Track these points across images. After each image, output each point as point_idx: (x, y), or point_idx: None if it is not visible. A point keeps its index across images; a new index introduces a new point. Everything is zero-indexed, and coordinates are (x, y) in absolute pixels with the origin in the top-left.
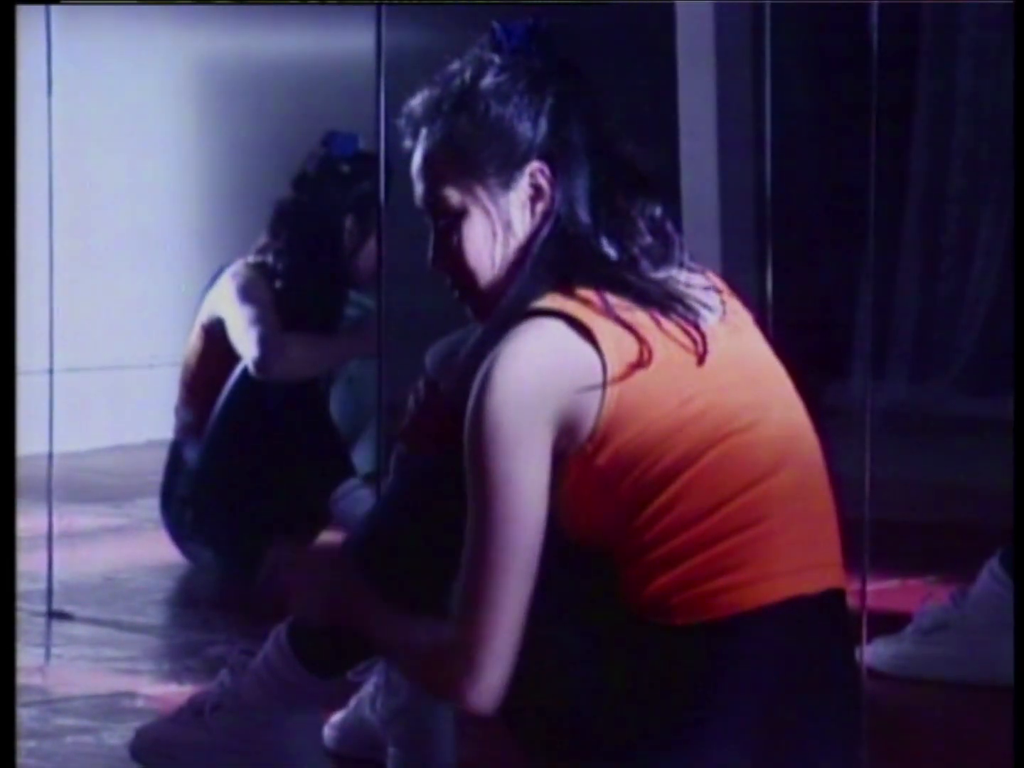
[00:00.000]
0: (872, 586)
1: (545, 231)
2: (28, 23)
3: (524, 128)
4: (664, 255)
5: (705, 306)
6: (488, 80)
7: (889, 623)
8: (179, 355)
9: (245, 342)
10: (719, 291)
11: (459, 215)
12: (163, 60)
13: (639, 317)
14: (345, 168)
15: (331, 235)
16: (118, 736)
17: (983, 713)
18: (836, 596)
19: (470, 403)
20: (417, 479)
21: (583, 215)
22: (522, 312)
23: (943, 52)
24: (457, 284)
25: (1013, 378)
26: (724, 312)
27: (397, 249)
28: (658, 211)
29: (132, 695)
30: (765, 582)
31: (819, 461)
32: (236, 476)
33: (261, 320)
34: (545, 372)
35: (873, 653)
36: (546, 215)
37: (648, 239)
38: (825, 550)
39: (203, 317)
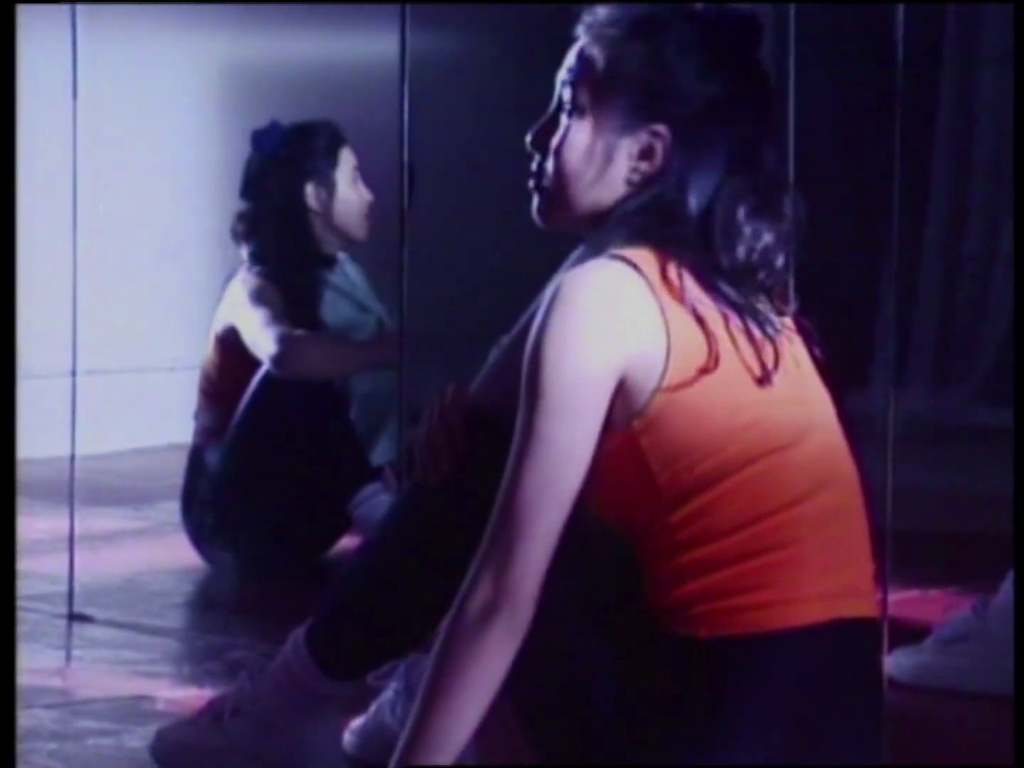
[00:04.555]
0: (893, 596)
1: (645, 198)
2: (52, 27)
3: (683, 89)
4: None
5: (769, 320)
6: (681, 34)
7: (910, 633)
8: (200, 358)
9: (262, 342)
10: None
11: (574, 113)
12: (186, 63)
13: (711, 314)
14: (272, 157)
15: (290, 222)
16: (138, 738)
17: (1003, 724)
18: (865, 626)
19: (539, 316)
20: (428, 491)
21: (692, 206)
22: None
23: (966, 61)
24: (539, 171)
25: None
26: (782, 327)
27: (419, 265)
28: (770, 247)
29: (152, 698)
30: (792, 605)
31: (856, 489)
32: (257, 480)
33: (276, 319)
34: (617, 314)
35: (894, 663)
36: (648, 180)
37: (755, 271)
38: (857, 579)
39: (217, 327)
